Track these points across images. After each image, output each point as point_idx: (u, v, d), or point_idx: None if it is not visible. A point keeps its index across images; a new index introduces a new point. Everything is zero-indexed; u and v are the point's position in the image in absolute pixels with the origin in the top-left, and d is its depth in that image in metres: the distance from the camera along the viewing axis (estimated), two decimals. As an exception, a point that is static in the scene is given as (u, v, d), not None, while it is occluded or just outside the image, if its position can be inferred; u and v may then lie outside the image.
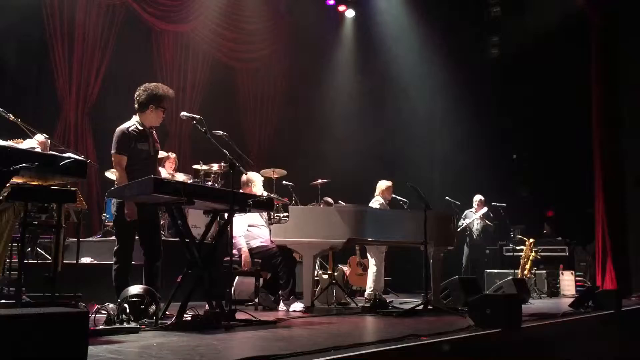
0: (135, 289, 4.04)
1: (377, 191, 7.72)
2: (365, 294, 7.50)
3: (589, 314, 5.91)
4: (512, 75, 12.14)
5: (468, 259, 9.62)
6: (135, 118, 4.71)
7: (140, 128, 4.67)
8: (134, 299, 3.94)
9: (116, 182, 4.59)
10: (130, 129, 4.63)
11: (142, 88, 4.71)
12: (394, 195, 7.74)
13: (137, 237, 4.67)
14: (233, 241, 5.73)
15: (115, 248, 4.61)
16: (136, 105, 4.71)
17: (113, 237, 5.95)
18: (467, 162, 11.98)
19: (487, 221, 9.73)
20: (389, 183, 7.76)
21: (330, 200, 8.12)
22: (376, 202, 7.53)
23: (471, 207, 9.93)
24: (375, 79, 12.38)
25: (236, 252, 5.91)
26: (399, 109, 12.33)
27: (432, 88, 12.93)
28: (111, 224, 6.90)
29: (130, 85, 5.80)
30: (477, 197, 9.87)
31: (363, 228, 5.91)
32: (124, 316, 3.78)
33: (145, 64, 9.56)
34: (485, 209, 9.80)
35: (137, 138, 4.62)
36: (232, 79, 11.26)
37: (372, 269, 7.32)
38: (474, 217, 9.67)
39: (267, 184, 7.93)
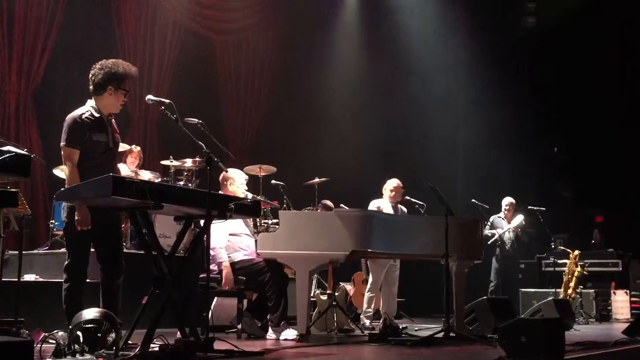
0: (90, 313, 4.03)
1: (384, 190, 7.79)
2: (362, 317, 7.59)
3: (646, 342, 5.91)
4: (553, 51, 12.17)
5: (498, 276, 9.62)
6: (91, 103, 4.68)
7: (97, 115, 4.64)
8: (89, 325, 3.93)
9: (67, 181, 4.57)
10: (84, 117, 4.60)
11: (97, 66, 4.68)
12: (407, 198, 7.77)
13: (92, 250, 4.66)
14: (212, 254, 5.73)
15: (66, 263, 4.58)
16: (91, 87, 4.68)
17: (63, 249, 5.94)
18: (497, 156, 12.01)
19: (520, 230, 9.69)
20: (398, 182, 7.80)
21: (329, 203, 8.14)
22: (378, 203, 7.58)
23: (499, 211, 9.87)
24: (384, 58, 12.40)
25: (215, 267, 5.91)
26: (413, 95, 12.35)
27: (453, 69, 12.98)
28: (61, 232, 6.89)
29: (83, 63, 5.79)
30: (507, 200, 9.78)
31: (370, 238, 5.90)
32: (76, 346, 3.77)
33: (102, 37, 9.56)
34: (520, 218, 9.70)
35: (92, 127, 4.59)
36: (209, 55, 11.26)
37: (368, 285, 7.43)
38: (506, 228, 9.64)
39: (253, 183, 7.93)
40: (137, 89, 9.30)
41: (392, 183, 7.83)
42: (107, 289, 4.60)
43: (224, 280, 5.86)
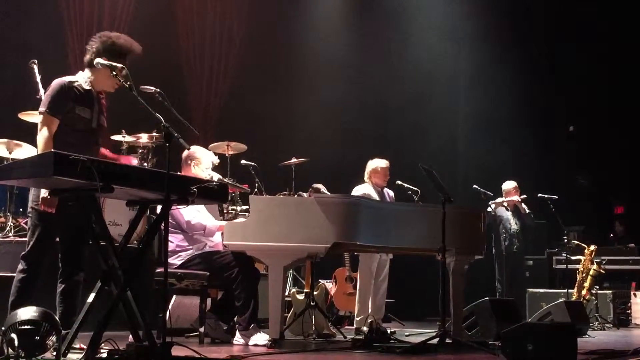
0: (27, 313, 4.02)
1: (366, 174, 7.77)
2: (355, 323, 7.58)
3: (670, 351, 5.99)
4: (571, 15, 12.19)
5: (504, 273, 9.70)
6: (85, 74, 4.81)
7: (87, 88, 4.77)
8: (26, 327, 3.93)
9: (38, 152, 4.63)
10: (74, 84, 4.71)
11: (97, 36, 4.84)
12: (399, 182, 7.77)
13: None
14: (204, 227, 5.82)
15: (26, 251, 4.63)
16: (86, 58, 4.81)
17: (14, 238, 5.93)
18: (502, 137, 12.06)
19: (523, 207, 9.66)
20: (384, 163, 7.78)
21: (322, 187, 8.14)
22: (362, 189, 7.57)
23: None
24: (375, 18, 12.38)
25: (212, 244, 5.99)
26: (408, 63, 12.35)
27: (454, 30, 12.95)
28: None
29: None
30: (509, 185, 9.80)
31: (355, 228, 5.93)
32: (10, 351, 3.76)
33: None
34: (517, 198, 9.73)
35: (77, 99, 4.69)
36: (168, 10, 11.17)
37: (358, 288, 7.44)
38: (505, 212, 9.67)
39: (220, 164, 7.89)
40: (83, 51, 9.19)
41: (375, 163, 7.77)
42: (66, 285, 4.68)
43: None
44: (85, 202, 4.28)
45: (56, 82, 4.72)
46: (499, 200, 9.60)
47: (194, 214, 6.03)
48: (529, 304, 9.69)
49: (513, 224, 9.67)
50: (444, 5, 12.59)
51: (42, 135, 4.59)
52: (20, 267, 4.61)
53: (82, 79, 4.79)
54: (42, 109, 4.65)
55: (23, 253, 4.64)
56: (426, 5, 12.53)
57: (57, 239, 4.74)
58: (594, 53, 12.07)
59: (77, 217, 4.55)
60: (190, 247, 6.04)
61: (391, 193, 7.90)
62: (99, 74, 4.78)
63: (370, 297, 7.63)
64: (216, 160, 6.38)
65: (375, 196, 7.59)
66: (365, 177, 7.80)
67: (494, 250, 9.58)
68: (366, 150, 8.75)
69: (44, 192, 4.43)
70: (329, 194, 7.82)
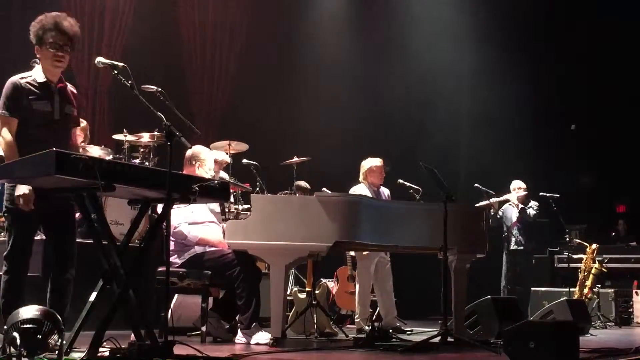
0: (29, 311, 4.02)
1: (361, 174, 7.77)
2: (357, 321, 7.59)
3: (672, 349, 5.99)
4: (579, 9, 12.14)
5: (510, 271, 9.69)
6: (39, 67, 4.74)
7: (41, 80, 4.67)
8: (28, 326, 3.93)
9: (5, 156, 4.59)
10: (23, 81, 4.64)
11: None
12: (401, 181, 7.78)
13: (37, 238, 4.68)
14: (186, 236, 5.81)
15: (7, 251, 4.60)
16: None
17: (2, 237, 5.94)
18: (505, 134, 12.06)
19: (522, 206, 9.69)
20: (379, 161, 7.79)
21: (305, 184, 8.13)
22: (358, 190, 7.57)
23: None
24: (378, 18, 12.36)
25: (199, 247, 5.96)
26: (410, 63, 12.34)
27: (458, 31, 12.94)
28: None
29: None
30: (517, 184, 9.84)
31: (357, 226, 5.93)
32: (12, 350, 3.76)
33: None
34: (535, 205, 9.76)
35: (32, 93, 4.62)
36: (171, 7, 11.17)
37: (357, 288, 7.45)
38: (511, 210, 9.69)
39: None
40: (86, 49, 9.22)
41: (370, 163, 7.77)
42: (55, 283, 4.65)
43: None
44: (88, 201, 4.28)
45: (9, 81, 4.63)
46: (501, 198, 9.61)
47: (180, 220, 6.00)
48: (531, 302, 9.69)
49: (517, 222, 9.70)
50: (447, 6, 12.58)
51: (5, 137, 4.55)
52: (4, 268, 4.59)
53: (35, 72, 4.70)
54: (0, 111, 4.59)
55: (4, 254, 4.61)
56: (430, 6, 12.52)
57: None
58: (595, 52, 12.06)
59: (56, 214, 4.56)
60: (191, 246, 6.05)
61: (387, 192, 7.90)
62: (42, 62, 4.69)
63: (369, 299, 7.67)
64: (228, 159, 6.37)
65: (371, 196, 7.58)
66: (361, 178, 7.78)
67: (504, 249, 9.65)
68: (368, 149, 8.73)
69: (19, 190, 4.40)
70: (309, 190, 7.84)
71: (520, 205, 9.70)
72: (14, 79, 4.64)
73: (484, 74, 12.55)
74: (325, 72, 11.90)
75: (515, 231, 9.68)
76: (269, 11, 11.67)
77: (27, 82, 4.63)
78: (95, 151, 7.70)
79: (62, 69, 4.74)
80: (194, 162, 6.11)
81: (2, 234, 7.42)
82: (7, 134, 4.54)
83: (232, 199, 7.63)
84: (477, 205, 8.68)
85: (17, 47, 8.49)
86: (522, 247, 9.73)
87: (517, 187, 9.74)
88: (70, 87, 4.87)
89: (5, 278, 4.55)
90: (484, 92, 12.55)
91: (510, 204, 9.77)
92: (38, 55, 4.68)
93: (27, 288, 4.63)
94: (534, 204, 9.74)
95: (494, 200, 9.31)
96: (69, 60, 4.75)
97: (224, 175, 8.03)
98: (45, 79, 4.68)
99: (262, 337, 5.72)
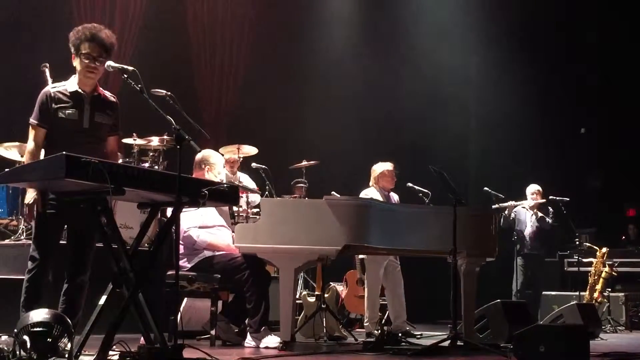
0: (39, 315, 4.04)
1: (372, 179, 7.76)
2: (366, 325, 7.59)
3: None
4: (589, 10, 12.10)
5: (522, 276, 9.65)
6: (75, 76, 4.81)
7: (72, 90, 4.74)
8: (38, 329, 3.94)
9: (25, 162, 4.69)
10: (54, 90, 4.72)
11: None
12: (410, 185, 7.77)
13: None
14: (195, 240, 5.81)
15: (31, 252, 4.65)
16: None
17: (7, 241, 5.96)
18: (514, 138, 12.03)
19: (541, 214, 9.66)
20: (390, 166, 7.77)
21: (303, 185, 8.13)
22: (368, 194, 7.56)
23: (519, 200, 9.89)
24: (389, 19, 12.36)
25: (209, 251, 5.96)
26: (418, 65, 12.31)
27: (467, 31, 12.92)
28: (6, 221, 6.96)
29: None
30: (533, 188, 9.79)
31: (366, 230, 5.92)
32: (22, 353, 3.77)
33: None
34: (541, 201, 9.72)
35: (60, 101, 4.69)
36: (180, 11, 11.19)
37: (366, 291, 7.44)
38: (525, 213, 9.66)
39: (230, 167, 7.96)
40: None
41: (382, 167, 7.75)
42: (68, 287, 4.68)
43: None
44: (97, 204, 4.29)
45: (42, 92, 4.74)
46: (519, 204, 9.61)
47: (189, 224, 6.02)
48: (541, 306, 9.66)
49: (529, 223, 9.67)
50: (455, 8, 12.57)
51: (29, 145, 4.69)
52: (28, 267, 4.65)
53: (71, 81, 4.79)
54: (30, 120, 4.70)
55: (30, 254, 4.68)
56: (438, 8, 12.50)
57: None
58: (605, 53, 12.03)
59: (80, 219, 4.58)
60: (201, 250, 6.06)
61: (396, 197, 7.88)
62: (78, 72, 4.77)
63: (377, 302, 7.65)
64: (223, 159, 6.38)
65: (381, 200, 7.59)
66: (371, 182, 7.74)
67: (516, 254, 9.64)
68: (377, 153, 8.73)
69: (26, 198, 4.49)
70: (304, 189, 7.82)
71: (540, 214, 9.67)
72: (47, 88, 4.76)
73: (493, 77, 12.52)
74: (335, 76, 11.90)
75: (529, 236, 9.67)
76: (279, 14, 11.67)
77: (58, 91, 4.71)
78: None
79: (94, 80, 4.81)
80: (203, 166, 6.12)
81: (13, 237, 7.52)
82: (32, 142, 4.66)
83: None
84: (494, 207, 8.72)
85: (27, 54, 8.56)
86: (535, 252, 9.75)
87: (534, 192, 9.70)
88: (110, 96, 4.93)
89: (27, 277, 4.60)
90: (493, 95, 12.52)
91: (523, 207, 9.74)
92: (74, 64, 4.74)
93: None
94: (550, 211, 9.72)
95: (512, 203, 9.34)
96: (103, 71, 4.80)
97: (244, 177, 8.05)
98: (76, 88, 4.75)
99: (272, 340, 5.72)
